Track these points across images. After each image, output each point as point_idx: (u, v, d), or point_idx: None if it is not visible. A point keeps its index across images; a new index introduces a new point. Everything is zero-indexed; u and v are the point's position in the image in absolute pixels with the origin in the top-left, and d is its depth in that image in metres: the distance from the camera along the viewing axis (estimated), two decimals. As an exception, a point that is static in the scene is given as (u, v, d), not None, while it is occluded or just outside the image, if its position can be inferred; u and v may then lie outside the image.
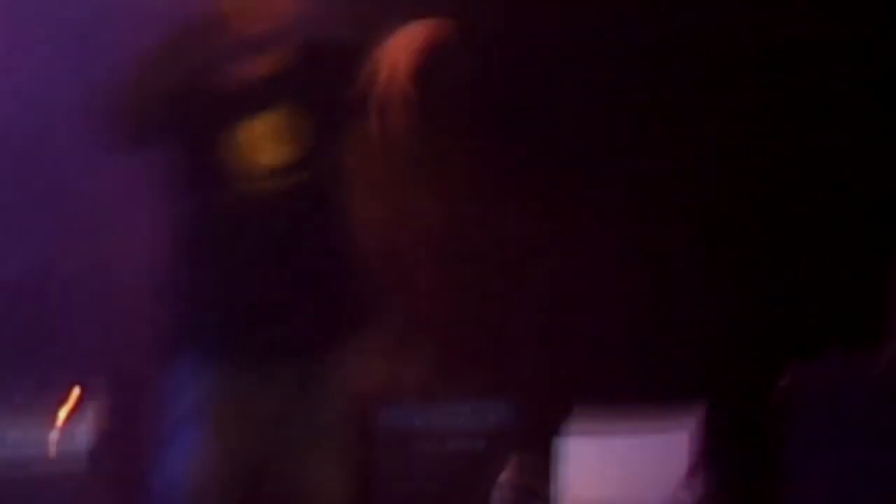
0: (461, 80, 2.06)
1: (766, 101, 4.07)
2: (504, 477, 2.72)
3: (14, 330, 2.61)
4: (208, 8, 1.62)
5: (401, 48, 1.56)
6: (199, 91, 1.62)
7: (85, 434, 2.62)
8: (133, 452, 2.26)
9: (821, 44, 3.95)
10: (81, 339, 2.76)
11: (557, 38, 3.61)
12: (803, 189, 4.10)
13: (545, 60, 3.53)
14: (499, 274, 3.39)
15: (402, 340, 2.43)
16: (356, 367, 1.80)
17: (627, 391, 3.26)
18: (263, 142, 1.70)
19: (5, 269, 2.53)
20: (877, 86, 3.94)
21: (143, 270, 2.13)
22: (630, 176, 3.95)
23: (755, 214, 4.11)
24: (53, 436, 2.56)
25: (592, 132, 3.82)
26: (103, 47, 2.51)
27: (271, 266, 1.70)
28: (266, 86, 1.69)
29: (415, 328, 2.58)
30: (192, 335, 1.72)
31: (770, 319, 3.67)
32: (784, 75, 4.02)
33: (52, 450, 2.56)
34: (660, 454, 3.00)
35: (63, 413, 2.59)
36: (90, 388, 2.66)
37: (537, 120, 3.50)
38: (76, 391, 2.48)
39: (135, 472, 2.23)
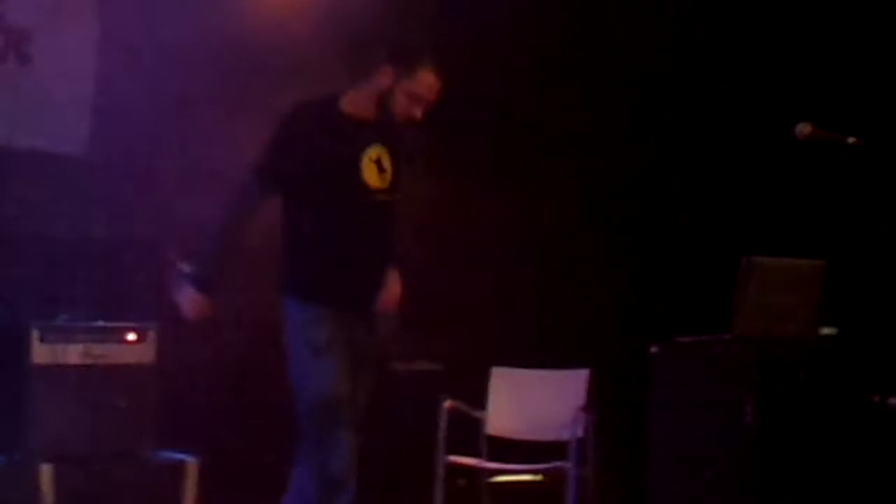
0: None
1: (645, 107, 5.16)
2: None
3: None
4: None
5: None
6: (338, 142, 2.91)
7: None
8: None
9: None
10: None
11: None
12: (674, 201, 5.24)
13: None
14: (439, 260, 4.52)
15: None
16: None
17: (541, 351, 4.46)
18: (371, 166, 2.96)
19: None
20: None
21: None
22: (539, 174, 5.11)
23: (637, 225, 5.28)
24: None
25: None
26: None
27: (370, 246, 2.94)
28: (373, 142, 2.98)
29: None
30: (316, 288, 2.92)
31: (645, 306, 4.88)
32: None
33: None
34: (559, 395, 4.13)
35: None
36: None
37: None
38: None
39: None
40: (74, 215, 4.10)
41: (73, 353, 3.78)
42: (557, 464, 3.98)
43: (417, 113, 3.02)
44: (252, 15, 4.34)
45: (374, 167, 3.02)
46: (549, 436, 4.11)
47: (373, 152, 3.02)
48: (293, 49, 4.32)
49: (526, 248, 5.20)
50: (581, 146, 5.24)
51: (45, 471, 3.73)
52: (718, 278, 4.13)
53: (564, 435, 3.97)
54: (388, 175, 3.07)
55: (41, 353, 3.75)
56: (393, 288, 3.09)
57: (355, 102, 2.99)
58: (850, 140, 3.38)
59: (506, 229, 5.05)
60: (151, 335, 3.86)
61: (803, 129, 3.31)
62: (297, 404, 2.99)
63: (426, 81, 2.95)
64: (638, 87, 5.41)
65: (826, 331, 3.84)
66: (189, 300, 2.97)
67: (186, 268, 3.02)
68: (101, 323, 3.81)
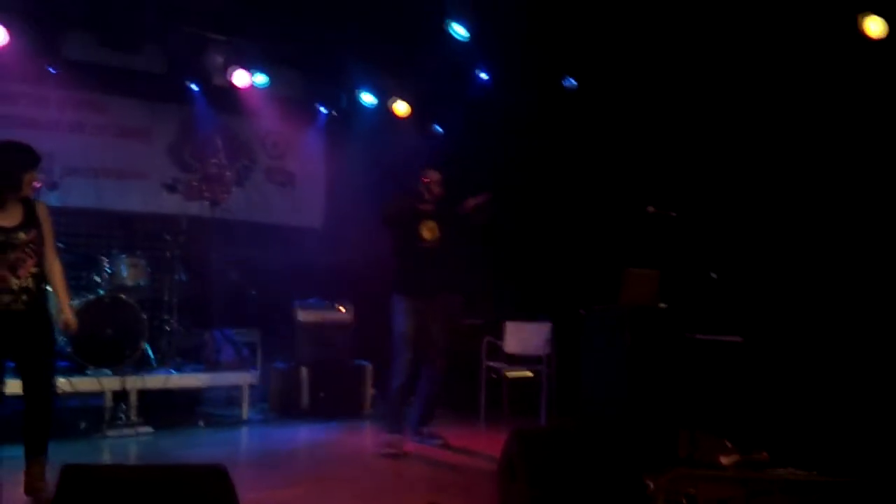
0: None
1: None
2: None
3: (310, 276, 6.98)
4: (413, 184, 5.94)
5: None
6: (411, 212, 5.76)
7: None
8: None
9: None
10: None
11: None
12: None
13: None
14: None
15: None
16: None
17: (528, 312, 7.12)
18: (426, 230, 5.81)
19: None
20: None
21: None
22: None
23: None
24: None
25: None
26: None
27: (435, 272, 5.74)
28: (430, 211, 5.77)
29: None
30: (403, 288, 5.78)
31: (577, 289, 6.94)
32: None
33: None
34: (538, 334, 6.86)
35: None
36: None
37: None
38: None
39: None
40: (313, 254, 7.71)
41: (314, 315, 7.22)
42: (537, 367, 6.88)
43: (436, 192, 5.70)
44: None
45: (427, 230, 5.75)
46: (533, 353, 6.91)
47: (428, 223, 5.75)
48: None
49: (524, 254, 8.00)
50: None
51: (303, 371, 7.08)
52: (614, 276, 5.97)
53: (540, 352, 6.84)
54: (436, 234, 5.72)
55: (302, 315, 7.22)
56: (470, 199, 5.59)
57: (421, 196, 5.79)
58: (673, 214, 5.86)
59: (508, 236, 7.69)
60: (350, 307, 7.37)
61: (649, 208, 5.81)
62: (394, 338, 5.70)
63: (432, 178, 5.76)
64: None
65: (661, 304, 5.82)
66: None
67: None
68: (326, 302, 7.33)
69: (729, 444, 5.21)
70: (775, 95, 6.25)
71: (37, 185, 4.95)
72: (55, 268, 4.42)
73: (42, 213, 4.36)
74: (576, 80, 7.36)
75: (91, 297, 6.28)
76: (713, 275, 5.56)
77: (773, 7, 5.73)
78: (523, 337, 6.93)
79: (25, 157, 4.32)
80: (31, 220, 4.28)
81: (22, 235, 4.20)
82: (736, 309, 6.03)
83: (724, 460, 5.01)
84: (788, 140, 6.23)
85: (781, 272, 6.16)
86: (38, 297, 4.27)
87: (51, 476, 4.10)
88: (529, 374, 7.11)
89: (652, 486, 3.89)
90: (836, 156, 5.92)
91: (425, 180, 5.79)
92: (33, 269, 4.24)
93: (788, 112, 6.22)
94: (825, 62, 5.84)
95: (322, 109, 8.54)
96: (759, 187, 6.35)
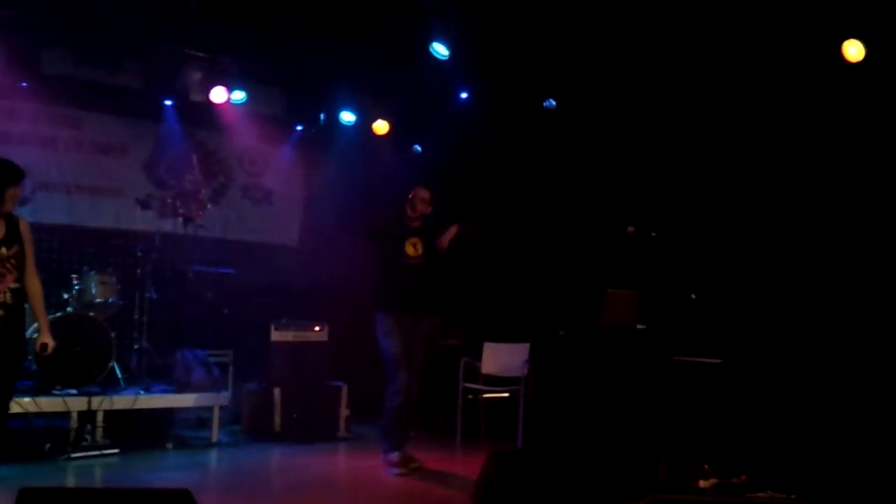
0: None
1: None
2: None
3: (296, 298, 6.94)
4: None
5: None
6: (396, 228, 5.74)
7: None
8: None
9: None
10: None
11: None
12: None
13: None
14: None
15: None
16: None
17: (506, 334, 7.05)
18: (410, 246, 5.78)
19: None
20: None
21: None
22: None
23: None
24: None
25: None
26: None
27: (419, 289, 5.69)
28: (415, 228, 5.75)
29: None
30: (386, 305, 5.72)
31: (556, 311, 6.99)
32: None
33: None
34: (516, 355, 6.79)
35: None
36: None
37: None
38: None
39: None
40: (289, 273, 7.65)
41: (289, 335, 7.09)
42: (514, 388, 6.78)
43: (421, 209, 5.64)
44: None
45: (411, 247, 5.73)
46: (511, 374, 6.82)
47: (412, 239, 5.71)
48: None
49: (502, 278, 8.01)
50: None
51: (276, 392, 6.92)
52: (593, 297, 6.29)
53: (518, 374, 6.77)
54: (420, 250, 5.70)
55: (276, 335, 7.07)
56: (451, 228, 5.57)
57: (405, 214, 5.71)
58: (653, 234, 6.04)
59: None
60: (325, 326, 7.28)
61: (629, 228, 5.99)
62: (384, 361, 5.65)
63: (420, 195, 5.71)
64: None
65: (640, 326, 6.13)
66: None
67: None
68: (301, 321, 7.26)
69: (707, 468, 5.16)
70: (755, 118, 6.30)
71: None
72: (35, 286, 4.40)
73: (24, 230, 4.37)
74: (555, 100, 7.41)
75: (59, 314, 6.13)
76: (693, 296, 5.55)
77: (750, 29, 5.77)
78: (501, 358, 6.86)
79: (8, 173, 4.34)
80: (13, 236, 4.27)
81: (3, 250, 4.20)
82: (715, 330, 6.02)
83: (703, 483, 4.97)
84: (769, 162, 6.27)
85: (761, 293, 6.17)
86: (15, 313, 4.24)
87: (8, 500, 3.96)
88: (506, 395, 6.99)
89: (630, 510, 3.81)
90: (815, 179, 5.96)
91: (410, 196, 5.75)
92: (13, 285, 4.23)
93: (768, 134, 6.27)
94: (804, 86, 5.91)
95: (300, 127, 8.46)
96: (741, 208, 6.38)
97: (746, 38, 5.85)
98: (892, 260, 5.47)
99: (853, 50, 5.57)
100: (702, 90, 6.45)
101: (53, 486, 4.37)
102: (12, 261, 4.20)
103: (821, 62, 5.66)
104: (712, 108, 6.50)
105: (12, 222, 4.31)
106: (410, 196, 5.74)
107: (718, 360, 5.82)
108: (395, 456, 5.75)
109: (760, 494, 4.68)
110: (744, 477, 5.03)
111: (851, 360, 5.44)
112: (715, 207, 6.58)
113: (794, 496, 4.58)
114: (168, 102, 7.62)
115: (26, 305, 4.40)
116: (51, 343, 4.48)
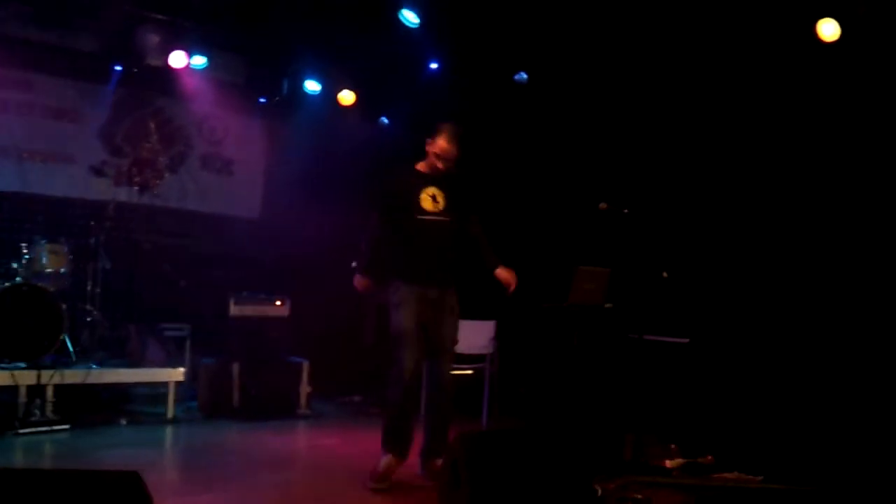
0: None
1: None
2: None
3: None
4: None
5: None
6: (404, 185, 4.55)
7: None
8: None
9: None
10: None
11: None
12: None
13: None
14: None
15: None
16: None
17: (473, 312, 6.64)
18: (427, 198, 4.57)
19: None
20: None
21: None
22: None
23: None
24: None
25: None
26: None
27: (438, 251, 4.48)
28: (430, 176, 4.56)
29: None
30: (399, 272, 4.60)
31: (524, 289, 6.24)
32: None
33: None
34: (482, 332, 6.73)
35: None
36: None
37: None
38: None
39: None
40: (249, 245, 7.44)
41: (248, 309, 6.91)
42: (480, 365, 6.73)
43: (439, 164, 4.52)
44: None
45: (429, 199, 4.57)
46: (476, 351, 6.69)
47: (428, 190, 4.59)
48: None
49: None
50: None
51: (235, 367, 6.78)
52: (563, 274, 6.04)
53: (484, 351, 6.73)
54: (441, 204, 4.57)
55: (235, 309, 6.90)
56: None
57: (422, 164, 4.66)
58: (626, 210, 5.70)
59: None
60: (287, 300, 7.13)
61: (601, 204, 5.58)
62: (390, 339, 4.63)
63: (440, 144, 4.60)
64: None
65: (608, 304, 5.96)
66: (358, 280, 4.69)
67: (355, 265, 4.75)
68: (261, 295, 7.09)
69: (674, 448, 5.13)
70: (729, 94, 6.22)
71: None
72: None
73: None
74: (527, 73, 7.25)
75: (7, 284, 5.86)
76: (665, 274, 5.46)
77: (724, 5, 5.71)
78: (467, 335, 6.57)
79: None
80: None
81: None
82: (684, 310, 6.00)
83: (670, 463, 4.94)
84: (743, 139, 6.22)
85: (732, 273, 6.14)
86: None
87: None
88: (470, 372, 6.85)
89: (600, 491, 3.72)
90: (789, 156, 5.93)
91: (433, 138, 4.64)
92: None
93: (742, 111, 6.21)
94: (778, 64, 5.84)
95: (263, 100, 8.21)
96: (714, 185, 6.33)
97: (721, 13, 5.78)
98: (861, 240, 5.46)
99: (828, 29, 5.49)
100: (675, 66, 6.38)
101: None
102: None
103: (795, 41, 5.59)
104: (686, 84, 6.43)
105: None
106: (434, 137, 4.60)
107: (686, 340, 5.79)
108: (382, 462, 4.64)
109: (728, 475, 4.64)
110: (711, 457, 5.02)
111: (820, 341, 5.43)
112: (690, 185, 6.52)
113: (761, 477, 4.55)
114: (118, 68, 7.30)
115: None
116: None
